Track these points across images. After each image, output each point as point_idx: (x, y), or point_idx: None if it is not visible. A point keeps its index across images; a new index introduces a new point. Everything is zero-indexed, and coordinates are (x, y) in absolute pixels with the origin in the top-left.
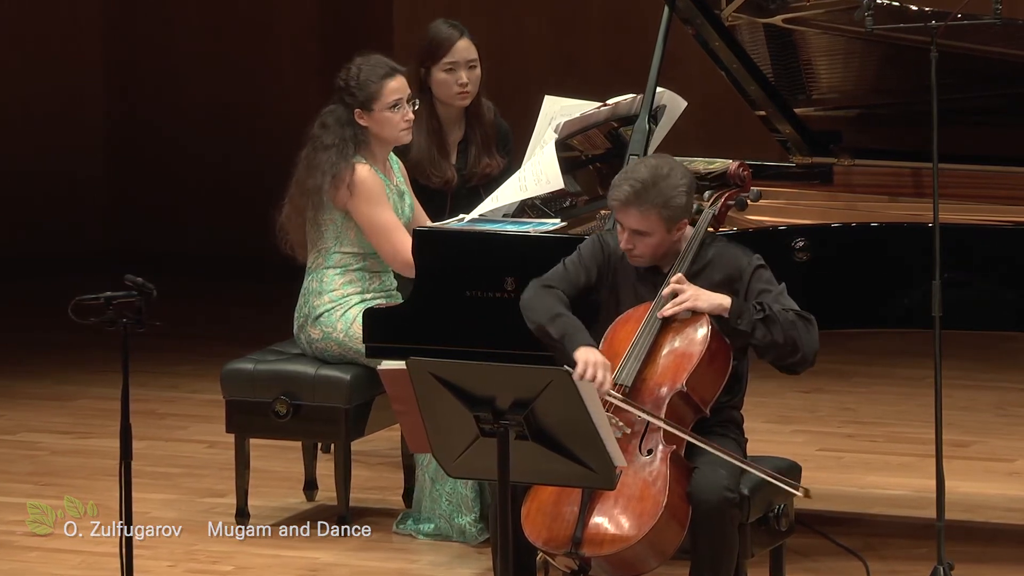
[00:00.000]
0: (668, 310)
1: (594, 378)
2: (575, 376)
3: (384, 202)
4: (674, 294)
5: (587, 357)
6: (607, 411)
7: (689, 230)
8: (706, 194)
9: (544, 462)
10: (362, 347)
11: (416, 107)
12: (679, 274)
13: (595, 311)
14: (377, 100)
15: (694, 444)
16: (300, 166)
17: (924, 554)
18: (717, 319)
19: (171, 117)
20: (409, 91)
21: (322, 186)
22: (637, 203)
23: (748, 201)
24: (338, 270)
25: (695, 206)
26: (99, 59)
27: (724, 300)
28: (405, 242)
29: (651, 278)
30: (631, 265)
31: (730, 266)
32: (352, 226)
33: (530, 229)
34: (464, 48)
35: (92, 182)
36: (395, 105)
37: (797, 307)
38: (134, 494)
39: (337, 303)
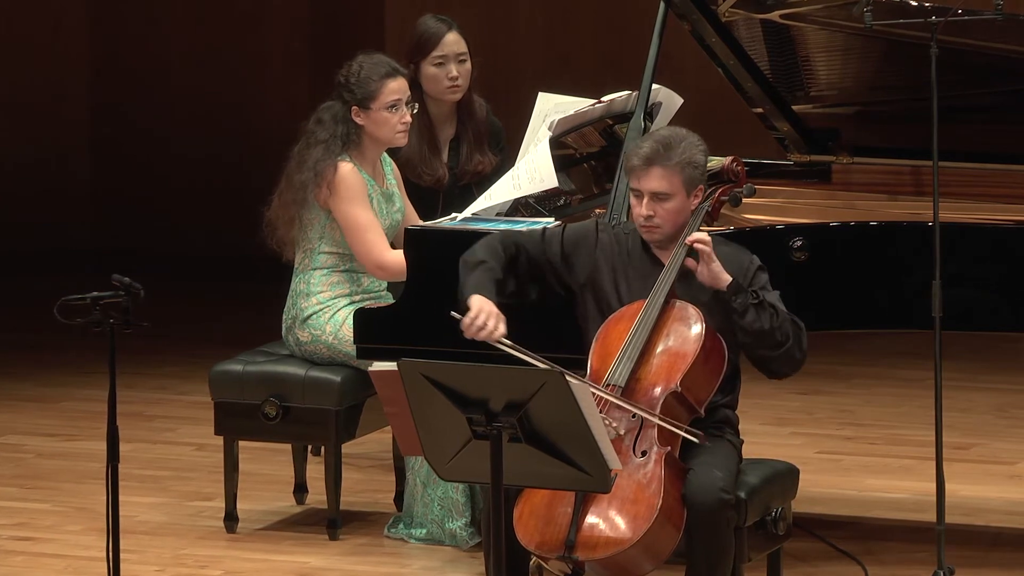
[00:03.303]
0: (694, 240)
1: (484, 325)
2: (464, 323)
3: (363, 201)
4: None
5: (480, 305)
6: (601, 412)
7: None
8: None
9: (538, 465)
10: (351, 349)
11: (415, 110)
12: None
13: (584, 306)
14: (375, 99)
15: (689, 444)
16: (292, 161)
17: (924, 558)
18: (713, 295)
19: (158, 115)
20: (409, 94)
21: (307, 183)
22: (661, 160)
23: (742, 197)
24: (325, 271)
25: None
26: (84, 56)
27: (727, 277)
28: (378, 243)
29: (646, 273)
30: (627, 259)
31: (732, 264)
32: (336, 226)
33: (524, 228)
34: (453, 42)
35: (78, 180)
36: (393, 106)
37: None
38: (121, 497)
39: (325, 305)
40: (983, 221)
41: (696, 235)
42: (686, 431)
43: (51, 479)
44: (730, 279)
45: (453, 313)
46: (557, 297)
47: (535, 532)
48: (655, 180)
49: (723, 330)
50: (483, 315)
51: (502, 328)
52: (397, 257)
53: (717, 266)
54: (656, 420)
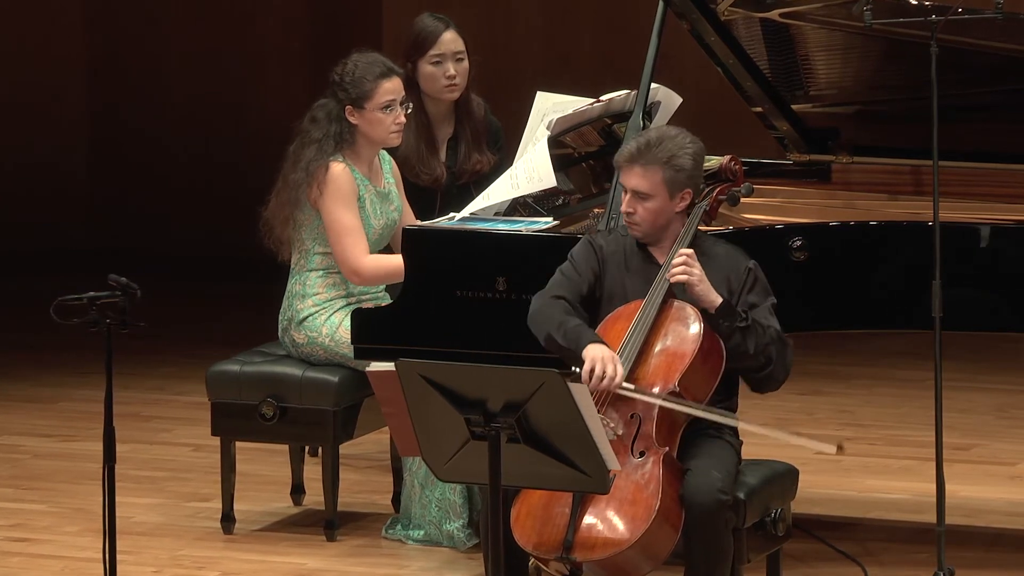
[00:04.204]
0: (675, 275)
1: (604, 374)
2: (584, 374)
3: (350, 203)
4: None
5: (594, 353)
6: (599, 413)
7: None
8: None
9: (536, 465)
10: (348, 351)
11: (409, 110)
12: (691, 250)
13: (598, 313)
14: (370, 99)
15: (688, 444)
16: (287, 160)
17: (924, 559)
18: (702, 313)
19: (157, 115)
20: (403, 93)
21: (300, 183)
22: (641, 159)
23: (740, 196)
24: (320, 272)
25: None
26: (82, 57)
27: (717, 298)
28: (356, 248)
29: (644, 272)
30: (623, 259)
31: (729, 266)
32: None
33: (522, 228)
34: (450, 40)
35: (75, 180)
36: (388, 106)
37: (779, 327)
38: (118, 498)
39: (321, 307)
40: (983, 221)
41: (677, 263)
42: (702, 410)
43: (48, 480)
44: (719, 301)
45: (574, 368)
46: None
47: (533, 533)
48: (635, 178)
49: None
50: (599, 364)
51: (621, 371)
52: (374, 263)
53: (703, 289)
54: (670, 404)
